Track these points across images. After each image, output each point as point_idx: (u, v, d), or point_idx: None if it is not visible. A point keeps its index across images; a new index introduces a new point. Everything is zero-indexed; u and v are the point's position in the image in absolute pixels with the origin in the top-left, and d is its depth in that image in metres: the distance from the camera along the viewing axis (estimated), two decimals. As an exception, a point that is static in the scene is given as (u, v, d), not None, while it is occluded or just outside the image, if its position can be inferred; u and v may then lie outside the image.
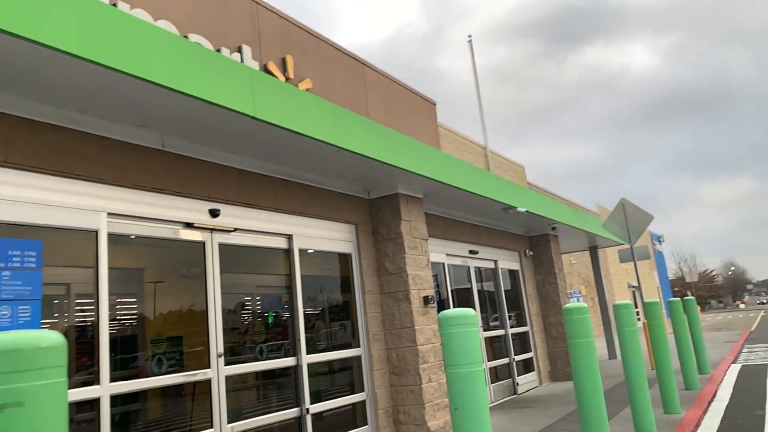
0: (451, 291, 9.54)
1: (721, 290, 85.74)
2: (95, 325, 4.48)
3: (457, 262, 9.99)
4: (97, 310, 4.50)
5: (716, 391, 8.59)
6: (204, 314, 5.35)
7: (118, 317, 4.71)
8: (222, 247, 5.63)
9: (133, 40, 3.89)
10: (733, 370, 10.97)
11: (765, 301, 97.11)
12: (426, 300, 7.48)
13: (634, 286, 34.26)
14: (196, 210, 5.44)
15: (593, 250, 16.64)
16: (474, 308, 10.03)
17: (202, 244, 5.46)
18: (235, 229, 5.78)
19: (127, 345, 4.73)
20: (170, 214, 5.20)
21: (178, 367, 5.04)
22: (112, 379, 4.49)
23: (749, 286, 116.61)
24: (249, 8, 7.48)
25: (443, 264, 9.47)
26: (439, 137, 12.37)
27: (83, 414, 4.26)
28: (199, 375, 5.13)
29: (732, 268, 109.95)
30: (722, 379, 9.76)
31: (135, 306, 4.89)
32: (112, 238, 4.73)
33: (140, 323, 4.88)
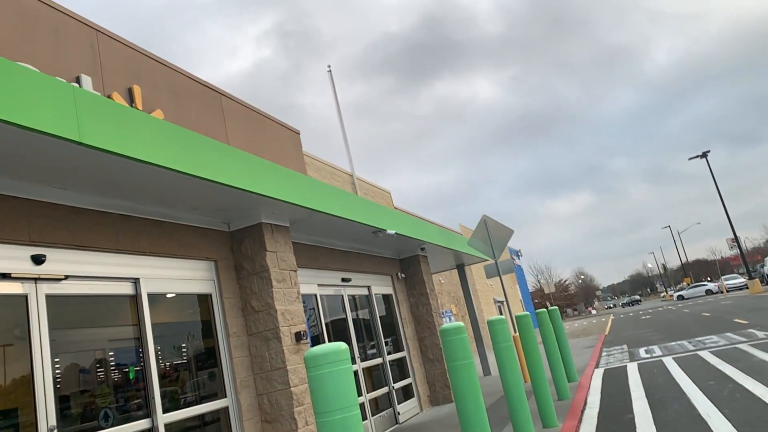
0: (326, 324, 9.09)
1: (575, 298, 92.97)
2: None
3: (330, 291, 9.57)
4: None
5: (587, 399, 8.88)
6: (29, 382, 4.44)
7: None
8: (51, 299, 4.74)
9: None
10: (598, 375, 11.55)
11: (612, 306, 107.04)
12: (298, 336, 6.96)
13: (499, 301, 35.93)
14: (13, 257, 4.53)
15: (460, 268, 17.03)
16: (350, 338, 9.63)
17: (24, 297, 4.55)
18: (66, 277, 4.91)
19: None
20: (-23, 265, 4.27)
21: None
22: None
23: (598, 292, 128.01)
24: (88, 37, 6.71)
25: (315, 295, 9.01)
26: (305, 166, 11.98)
27: None
28: (22, 459, 4.20)
29: (582, 277, 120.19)
30: (590, 385, 10.18)
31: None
32: None
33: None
